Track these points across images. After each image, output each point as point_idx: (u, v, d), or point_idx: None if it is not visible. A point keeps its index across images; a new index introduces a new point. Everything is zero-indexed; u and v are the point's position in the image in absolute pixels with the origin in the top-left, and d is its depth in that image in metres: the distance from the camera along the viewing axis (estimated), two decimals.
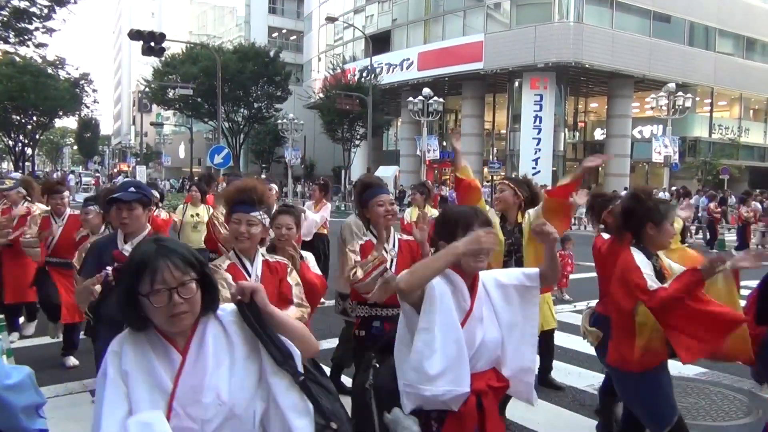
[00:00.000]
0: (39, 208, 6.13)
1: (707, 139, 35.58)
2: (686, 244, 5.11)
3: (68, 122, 71.98)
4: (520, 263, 4.20)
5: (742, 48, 36.97)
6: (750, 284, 3.25)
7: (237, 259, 2.96)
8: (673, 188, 23.03)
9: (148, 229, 3.31)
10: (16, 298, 6.18)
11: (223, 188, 6.68)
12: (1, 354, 2.12)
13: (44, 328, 6.18)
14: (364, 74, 34.87)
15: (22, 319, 6.55)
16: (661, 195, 21.66)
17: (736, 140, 35.43)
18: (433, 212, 7.04)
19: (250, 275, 2.91)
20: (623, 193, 21.74)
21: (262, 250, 3.09)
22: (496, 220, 4.23)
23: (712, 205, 18.02)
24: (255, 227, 2.90)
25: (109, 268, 2.53)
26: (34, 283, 5.75)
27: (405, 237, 3.79)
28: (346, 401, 2.09)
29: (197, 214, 7.55)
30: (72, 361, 5.60)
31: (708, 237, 17.96)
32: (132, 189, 3.23)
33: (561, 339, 6.50)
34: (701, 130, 36.01)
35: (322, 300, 5.89)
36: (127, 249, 3.01)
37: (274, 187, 6.33)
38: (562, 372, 5.66)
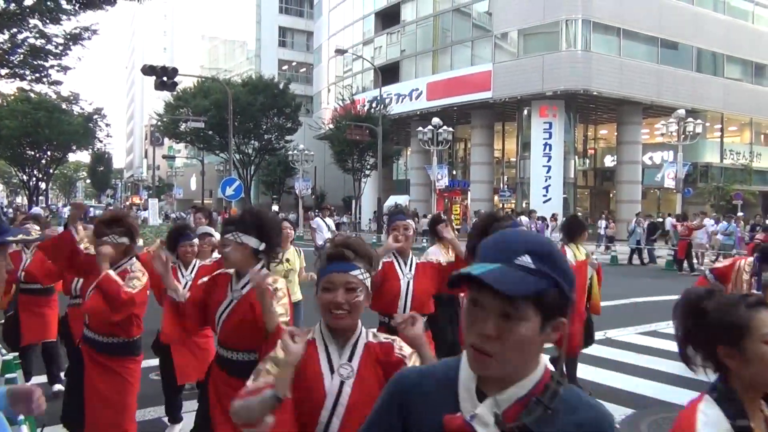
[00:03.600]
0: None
1: (719, 164, 35.38)
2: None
3: (81, 156, 72.98)
4: None
5: (750, 73, 36.96)
6: None
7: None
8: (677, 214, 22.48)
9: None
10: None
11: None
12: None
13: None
14: (374, 105, 35.12)
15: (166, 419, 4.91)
16: (669, 220, 21.48)
17: (748, 165, 35.21)
18: None
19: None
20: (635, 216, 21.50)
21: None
22: None
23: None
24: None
25: None
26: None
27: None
28: None
29: (287, 260, 5.72)
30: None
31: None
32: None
33: (584, 371, 6.38)
34: (712, 155, 35.85)
35: None
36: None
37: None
38: None
